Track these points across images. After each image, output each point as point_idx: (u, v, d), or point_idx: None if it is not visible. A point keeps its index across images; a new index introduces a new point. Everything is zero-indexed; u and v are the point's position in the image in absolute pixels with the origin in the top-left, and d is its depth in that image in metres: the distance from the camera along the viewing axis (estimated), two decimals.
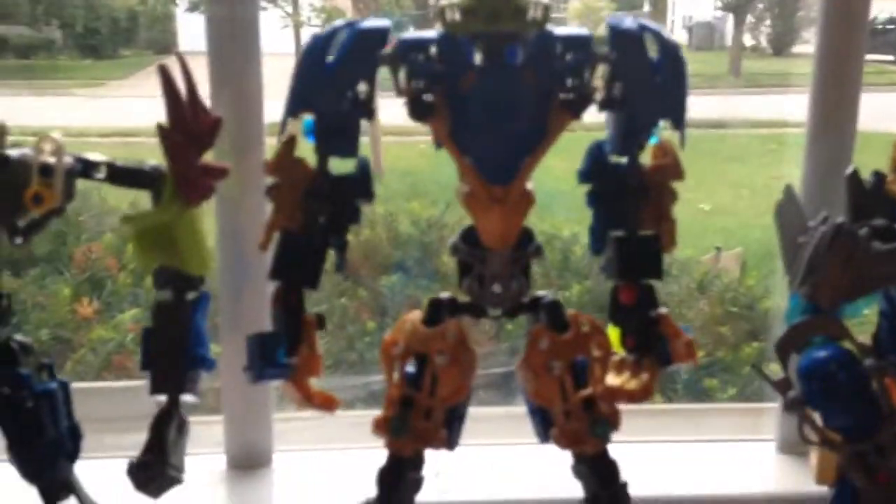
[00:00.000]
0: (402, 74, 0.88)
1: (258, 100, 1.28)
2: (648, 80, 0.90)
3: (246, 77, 1.25)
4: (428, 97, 0.87)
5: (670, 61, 0.90)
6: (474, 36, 0.86)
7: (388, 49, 0.88)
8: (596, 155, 0.95)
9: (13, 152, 0.88)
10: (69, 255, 3.33)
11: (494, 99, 0.87)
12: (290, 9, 8.74)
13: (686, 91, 0.91)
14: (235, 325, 1.23)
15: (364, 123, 0.92)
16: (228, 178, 0.96)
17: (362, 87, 0.89)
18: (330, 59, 0.88)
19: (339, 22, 0.89)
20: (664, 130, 0.94)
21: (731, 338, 3.27)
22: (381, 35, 0.89)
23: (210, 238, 1.18)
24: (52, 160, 0.86)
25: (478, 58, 0.88)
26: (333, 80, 0.88)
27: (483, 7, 0.83)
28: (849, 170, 0.97)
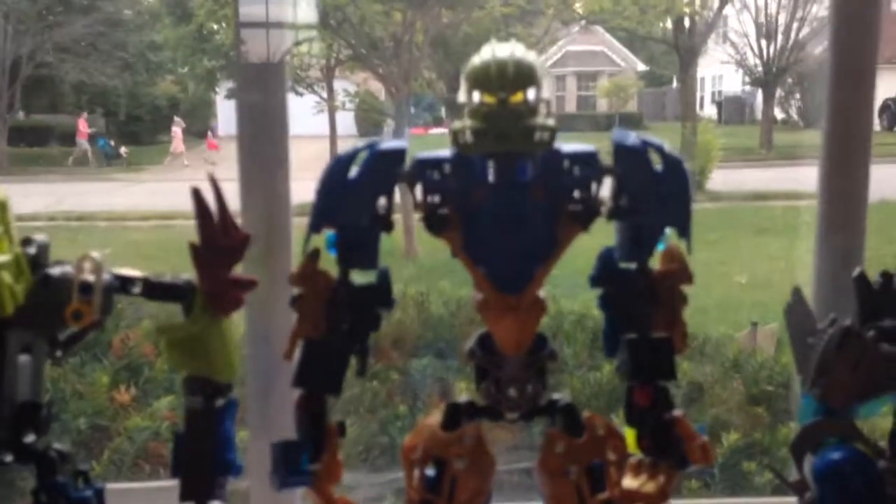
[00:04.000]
0: (418, 190, 0.93)
1: (286, 202, 1.34)
2: (653, 191, 0.94)
3: (275, 167, 1.32)
4: (443, 211, 0.92)
5: (673, 173, 0.94)
6: (486, 155, 0.91)
7: (405, 167, 0.94)
8: (607, 261, 0.98)
9: (55, 270, 0.94)
10: (108, 343, 3.42)
11: (506, 214, 0.92)
12: (325, 94, 8.98)
13: (690, 201, 0.95)
14: (263, 425, 1.27)
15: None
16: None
17: (381, 203, 0.94)
18: (351, 177, 0.94)
19: (359, 143, 0.95)
20: (671, 237, 0.98)
21: (768, 418, 3.23)
22: (399, 154, 0.94)
23: (238, 336, 1.22)
24: (91, 278, 0.92)
25: (490, 174, 0.93)
26: (354, 197, 0.94)
27: (493, 130, 0.88)
28: (856, 271, 0.99)
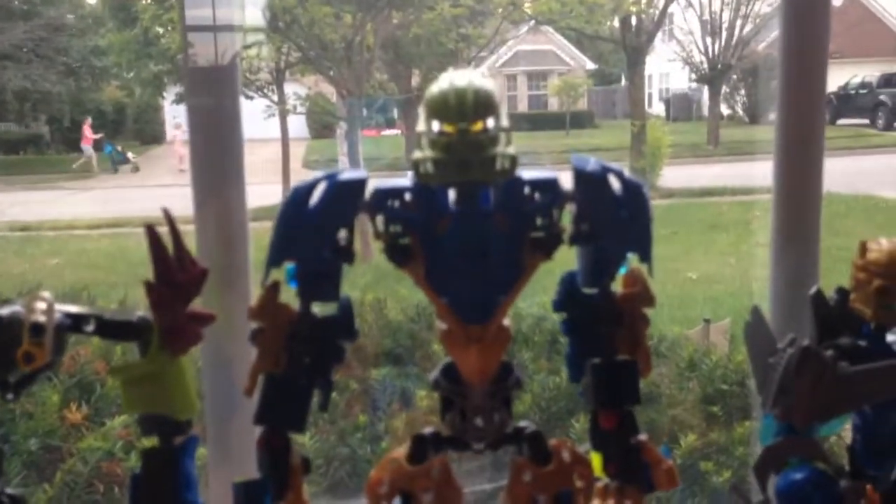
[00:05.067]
0: (379, 221, 0.92)
1: (242, 209, 1.33)
2: (614, 216, 0.94)
3: (230, 174, 1.30)
4: (404, 241, 0.91)
5: (633, 198, 0.94)
6: (447, 184, 0.90)
7: (366, 197, 0.92)
8: (569, 285, 0.98)
9: (3, 311, 0.90)
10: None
11: (468, 243, 0.91)
12: (275, 97, 8.87)
13: (650, 225, 0.95)
14: (224, 456, 1.24)
15: None
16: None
17: (342, 234, 0.93)
18: (310, 209, 0.92)
19: (318, 173, 0.94)
20: (633, 261, 0.98)
21: (724, 417, 3.28)
22: (359, 185, 0.93)
23: (196, 362, 1.20)
24: (42, 319, 0.89)
25: (451, 202, 0.92)
26: (314, 229, 0.92)
27: (454, 160, 0.87)
28: (812, 289, 1.01)
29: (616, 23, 10.39)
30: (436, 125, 0.87)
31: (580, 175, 0.93)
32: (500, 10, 9.45)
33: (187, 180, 1.34)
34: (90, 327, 0.94)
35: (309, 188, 0.92)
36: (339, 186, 0.92)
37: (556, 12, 9.56)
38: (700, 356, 3.58)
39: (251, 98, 8.02)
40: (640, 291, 0.98)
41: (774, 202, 1.34)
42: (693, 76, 12.45)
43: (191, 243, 0.99)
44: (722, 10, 11.62)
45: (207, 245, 1.33)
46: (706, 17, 11.73)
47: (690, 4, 11.64)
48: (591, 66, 13.32)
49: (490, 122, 0.87)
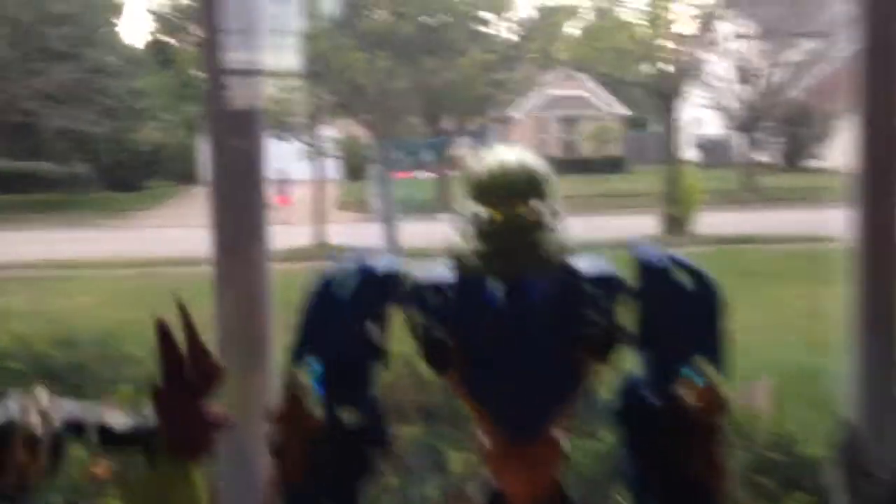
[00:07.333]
0: (416, 317, 0.82)
1: (267, 284, 1.25)
2: (681, 316, 0.82)
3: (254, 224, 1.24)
4: (442, 338, 0.81)
5: (701, 293, 0.83)
6: (492, 276, 0.80)
7: (402, 289, 0.83)
8: (631, 395, 0.86)
9: None
10: None
11: (515, 344, 0.80)
12: (310, 140, 8.92)
13: (720, 323, 0.84)
14: None
15: None
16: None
17: (372, 329, 0.83)
18: (340, 302, 0.82)
19: (347, 259, 0.84)
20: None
21: (773, 488, 3.09)
22: (393, 276, 0.83)
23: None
24: (38, 432, 0.79)
25: (496, 296, 0.81)
26: (343, 323, 0.82)
27: (499, 248, 0.77)
28: None
29: (649, 69, 10.34)
30: (480, 209, 0.78)
31: (645, 270, 0.82)
32: (532, 55, 9.47)
33: None
34: (93, 437, 0.84)
35: (339, 277, 0.82)
36: (372, 277, 0.82)
37: (588, 58, 9.55)
38: (747, 420, 3.41)
39: (286, 140, 8.05)
40: (714, 401, 0.85)
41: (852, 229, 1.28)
42: (727, 122, 12.33)
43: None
44: (756, 58, 11.52)
45: (226, 311, 1.26)
46: (740, 64, 11.63)
47: (724, 52, 11.56)
48: (622, 111, 13.26)
49: (537, 205, 0.77)
